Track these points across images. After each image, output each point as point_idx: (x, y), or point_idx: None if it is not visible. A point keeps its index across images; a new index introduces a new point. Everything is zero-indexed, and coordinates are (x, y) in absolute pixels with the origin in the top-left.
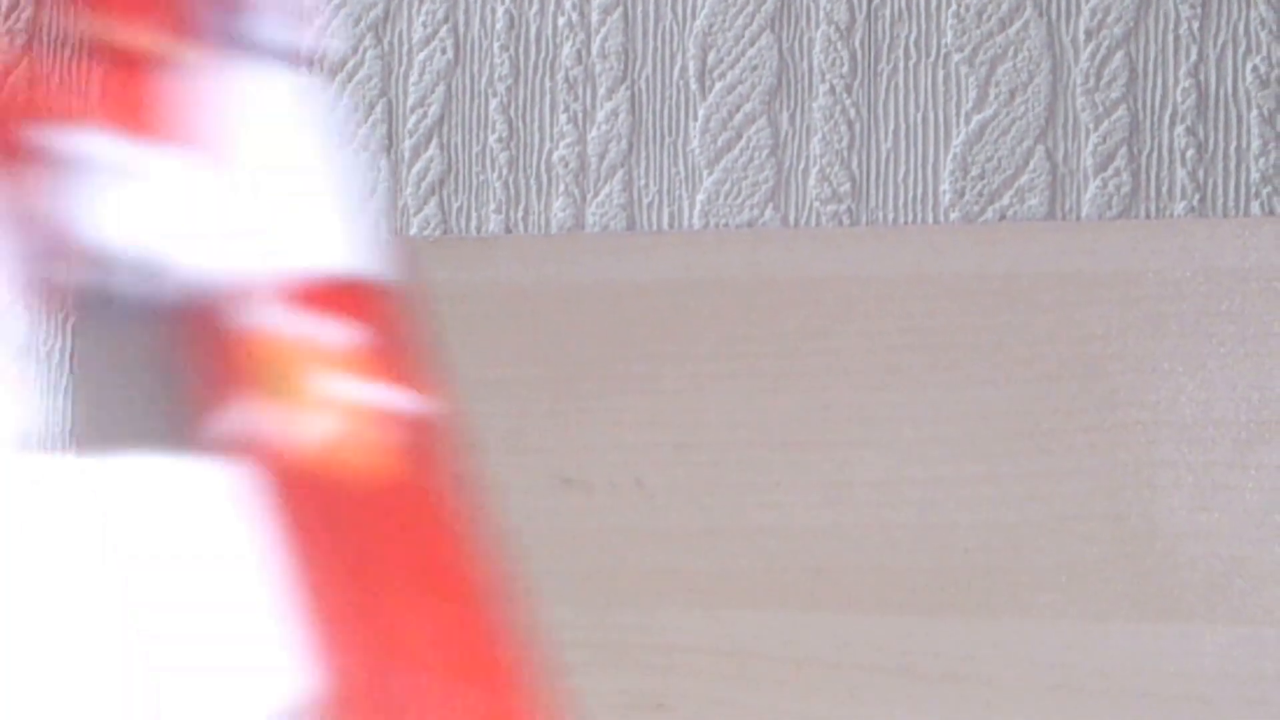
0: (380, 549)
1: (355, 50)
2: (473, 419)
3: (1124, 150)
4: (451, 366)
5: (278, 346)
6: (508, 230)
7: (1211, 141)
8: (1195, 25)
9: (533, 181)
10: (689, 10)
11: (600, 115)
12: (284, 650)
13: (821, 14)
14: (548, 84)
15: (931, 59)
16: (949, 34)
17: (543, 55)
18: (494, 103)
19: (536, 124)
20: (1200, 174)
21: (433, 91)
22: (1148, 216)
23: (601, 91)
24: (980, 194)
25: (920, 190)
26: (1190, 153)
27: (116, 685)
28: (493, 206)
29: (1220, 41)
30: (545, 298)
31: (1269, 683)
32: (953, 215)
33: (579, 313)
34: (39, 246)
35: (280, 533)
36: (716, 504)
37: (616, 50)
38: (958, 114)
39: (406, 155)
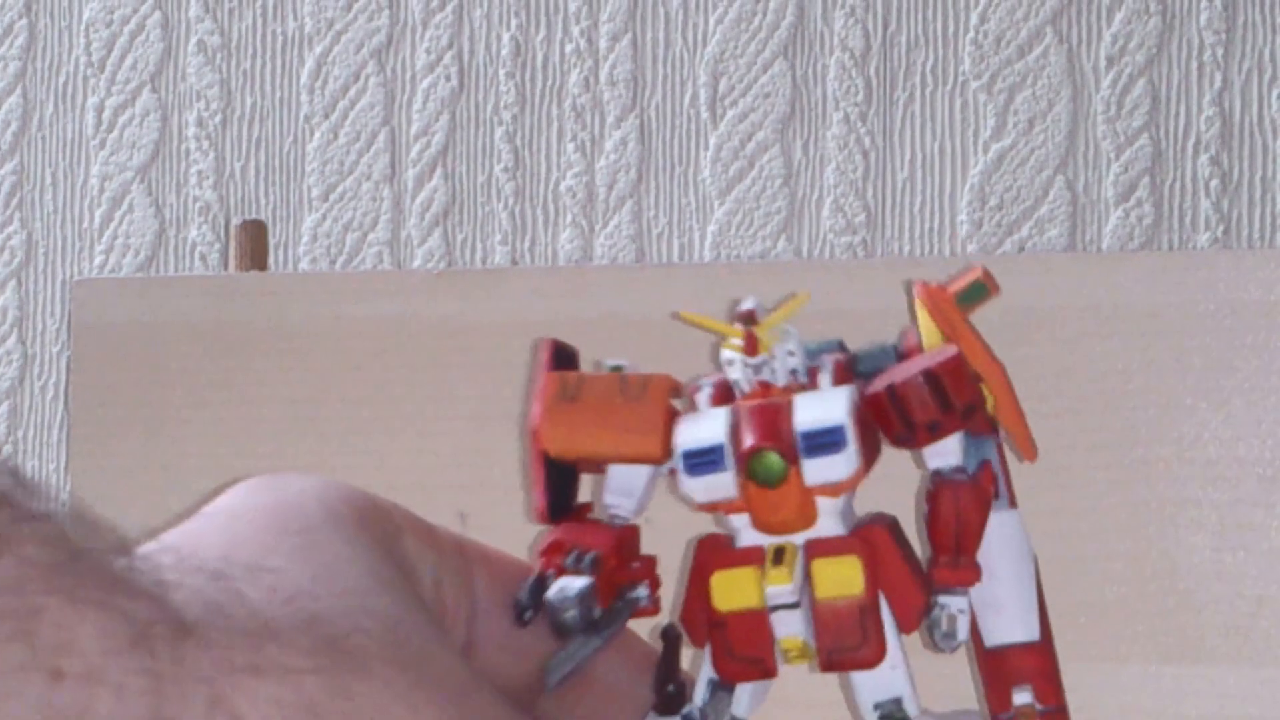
0: None
1: (357, 77)
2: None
3: (1146, 180)
4: (458, 403)
5: None
6: (514, 262)
7: (1236, 171)
8: (1219, 52)
9: (539, 212)
10: (700, 36)
11: (609, 144)
12: None
13: (836, 40)
14: (555, 112)
15: (948, 87)
16: (966, 61)
17: (550, 82)
18: (499, 131)
19: (543, 153)
20: (1225, 204)
21: (437, 120)
22: (1171, 248)
23: (610, 120)
24: (999, 225)
25: (937, 221)
26: (1214, 183)
27: None
28: (498, 238)
29: (1245, 68)
30: (553, 331)
31: None
32: (970, 247)
33: (587, 347)
34: None
35: None
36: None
37: (625, 77)
38: (975, 143)
39: (410, 185)
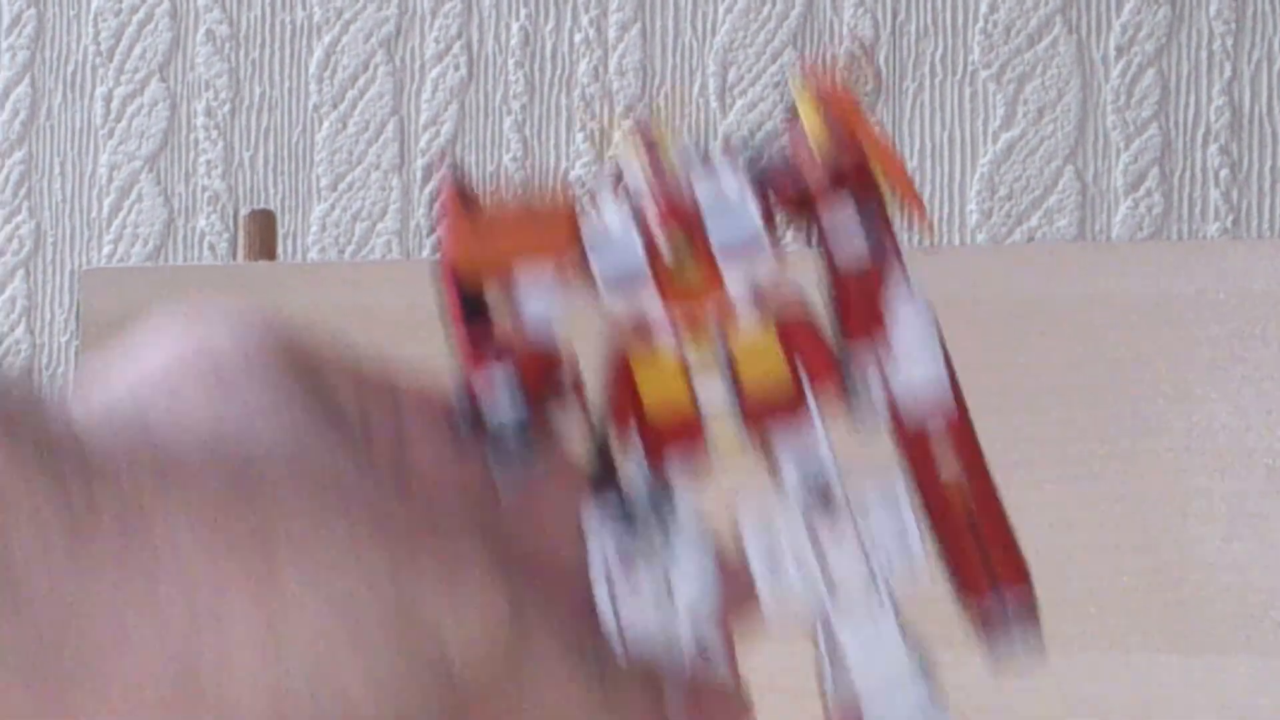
0: None
1: (366, 66)
2: None
3: (1156, 170)
4: None
5: None
6: None
7: (1246, 161)
8: (1229, 41)
9: None
10: (709, 26)
11: (618, 134)
12: None
13: (845, 30)
14: (564, 101)
15: (958, 76)
16: (976, 50)
17: (559, 72)
18: (508, 121)
19: (552, 142)
20: (1234, 194)
21: (445, 109)
22: (1180, 238)
23: (619, 109)
24: (1008, 215)
25: (946, 211)
26: (1224, 172)
27: None
28: None
29: (1255, 58)
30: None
31: None
32: (980, 236)
33: (592, 338)
34: None
35: None
36: None
37: (635, 67)
38: (985, 133)
39: (419, 175)
